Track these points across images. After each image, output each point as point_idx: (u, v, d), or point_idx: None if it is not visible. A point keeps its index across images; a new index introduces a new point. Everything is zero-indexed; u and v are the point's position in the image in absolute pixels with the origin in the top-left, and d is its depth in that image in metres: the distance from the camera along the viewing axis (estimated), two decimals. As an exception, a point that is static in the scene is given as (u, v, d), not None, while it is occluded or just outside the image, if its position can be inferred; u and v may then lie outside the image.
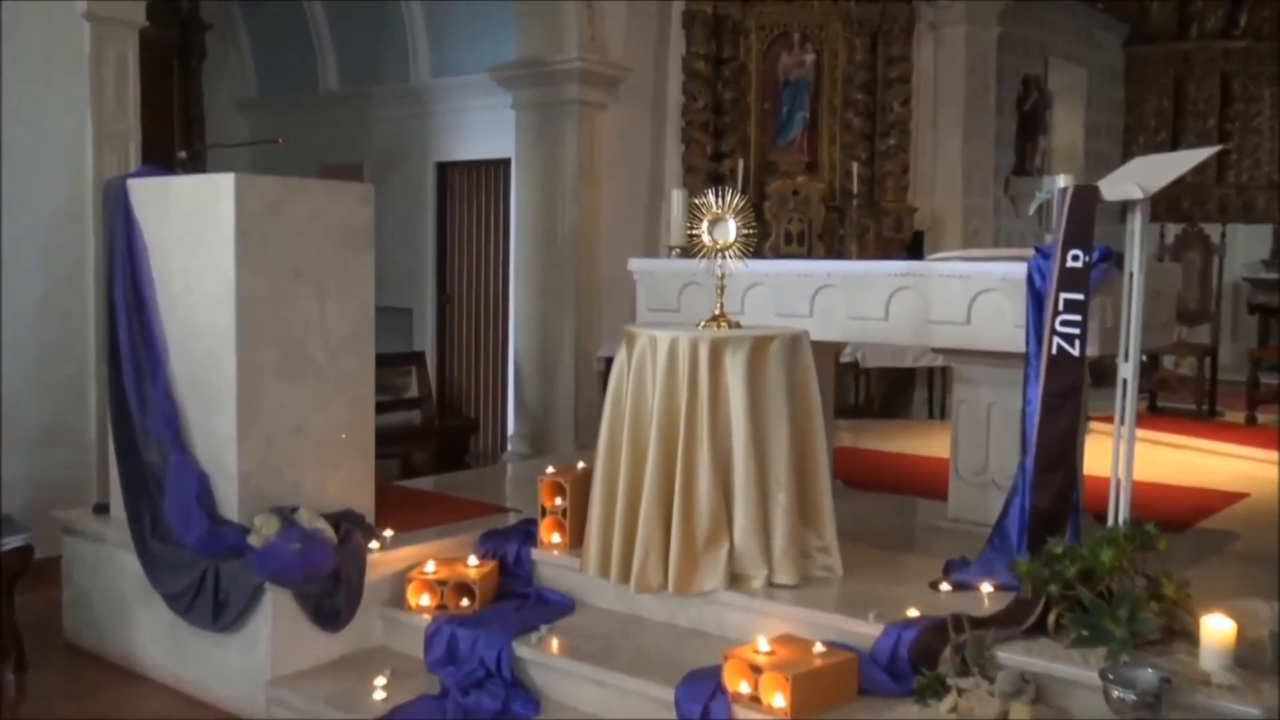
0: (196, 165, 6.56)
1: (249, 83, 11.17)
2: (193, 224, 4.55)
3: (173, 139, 9.29)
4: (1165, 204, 11.39)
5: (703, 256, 4.40)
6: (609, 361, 8.39)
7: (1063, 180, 4.77)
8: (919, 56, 9.41)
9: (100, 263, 5.61)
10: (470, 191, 9.87)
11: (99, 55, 5.99)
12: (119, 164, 5.96)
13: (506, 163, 9.30)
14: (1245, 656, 3.39)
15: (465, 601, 4.45)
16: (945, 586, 4.16)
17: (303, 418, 4.62)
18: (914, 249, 9.22)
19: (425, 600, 4.49)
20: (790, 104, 9.39)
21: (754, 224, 4.42)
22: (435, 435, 8.59)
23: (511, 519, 5.13)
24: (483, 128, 9.42)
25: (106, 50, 6.01)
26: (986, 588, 4.07)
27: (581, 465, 4.81)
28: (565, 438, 8.69)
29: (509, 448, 9.12)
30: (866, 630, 3.78)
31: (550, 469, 4.81)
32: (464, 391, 9.96)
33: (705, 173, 9.18)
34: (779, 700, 3.47)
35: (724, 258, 4.36)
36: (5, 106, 5.74)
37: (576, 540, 4.55)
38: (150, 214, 4.71)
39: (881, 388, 9.55)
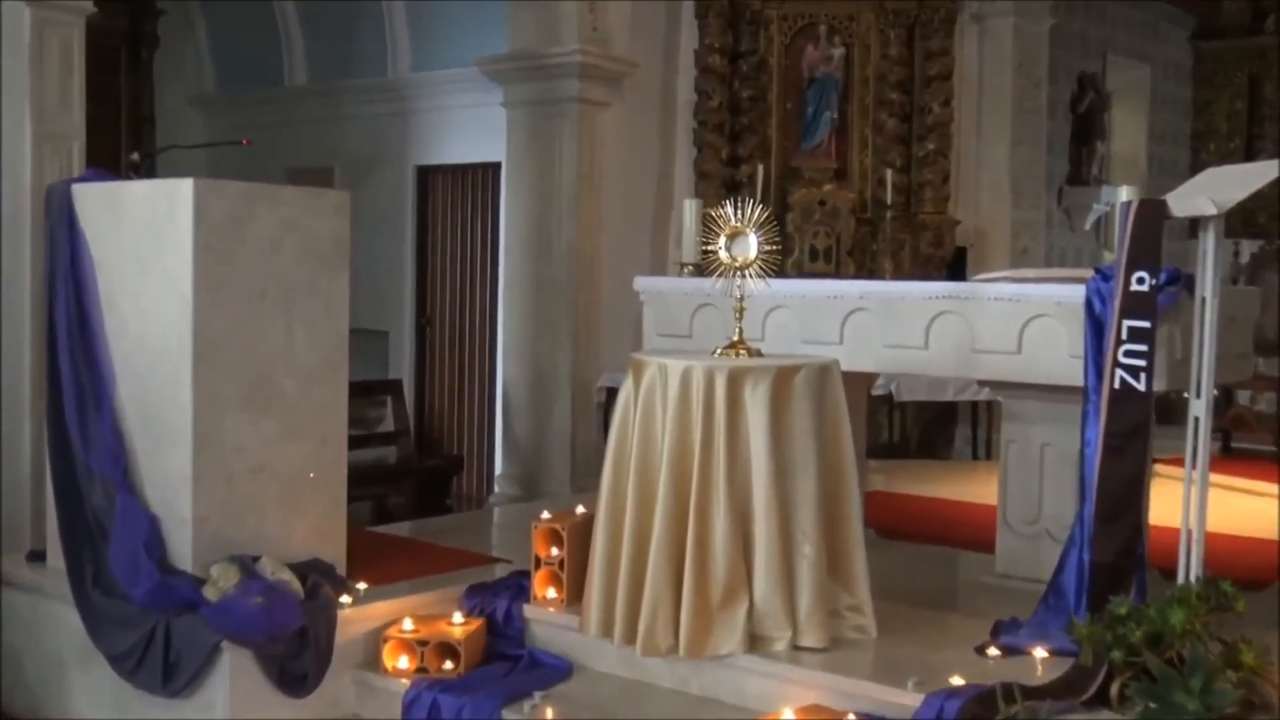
0: (149, 169, 6.60)
1: (207, 77, 11.24)
2: (145, 236, 4.58)
3: (121, 140, 9.34)
4: (1239, 218, 11.40)
5: (719, 275, 4.42)
6: (612, 393, 8.44)
7: (1124, 192, 4.79)
8: (961, 51, 9.46)
9: (39, 279, 5.63)
10: (454, 200, 9.92)
11: (40, 45, 6.00)
12: (62, 167, 5.99)
13: (496, 167, 9.34)
14: (1334, 733, 3.37)
15: (448, 664, 4.45)
16: (993, 651, 4.15)
17: (267, 456, 4.63)
18: (956, 268, 9.24)
19: (403, 662, 4.48)
20: (816, 104, 9.44)
21: (776, 238, 4.45)
22: (413, 475, 8.59)
23: (500, 571, 5.13)
24: (469, 128, 9.47)
25: (49, 39, 6.04)
26: (1040, 653, 4.07)
27: (581, 510, 4.82)
28: (561, 479, 8.68)
29: (497, 489, 9.12)
30: (904, 700, 3.77)
31: (545, 514, 4.81)
32: (446, 425, 9.97)
33: (720, 180, 9.22)
34: (805, 780, 3.47)
35: (743, 277, 4.38)
36: (-65, 103, 5.79)
37: (575, 595, 4.55)
38: (97, 224, 4.74)
39: (919, 424, 9.54)
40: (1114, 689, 3.66)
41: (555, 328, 8.75)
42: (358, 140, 10.27)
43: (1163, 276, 4.13)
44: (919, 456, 9.28)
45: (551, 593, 4.66)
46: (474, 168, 9.68)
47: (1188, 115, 13.17)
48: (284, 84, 10.75)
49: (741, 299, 4.44)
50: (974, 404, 9.19)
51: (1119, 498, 4.08)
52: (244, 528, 4.57)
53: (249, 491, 4.59)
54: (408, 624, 4.56)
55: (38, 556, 5.08)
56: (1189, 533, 4.07)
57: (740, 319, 4.45)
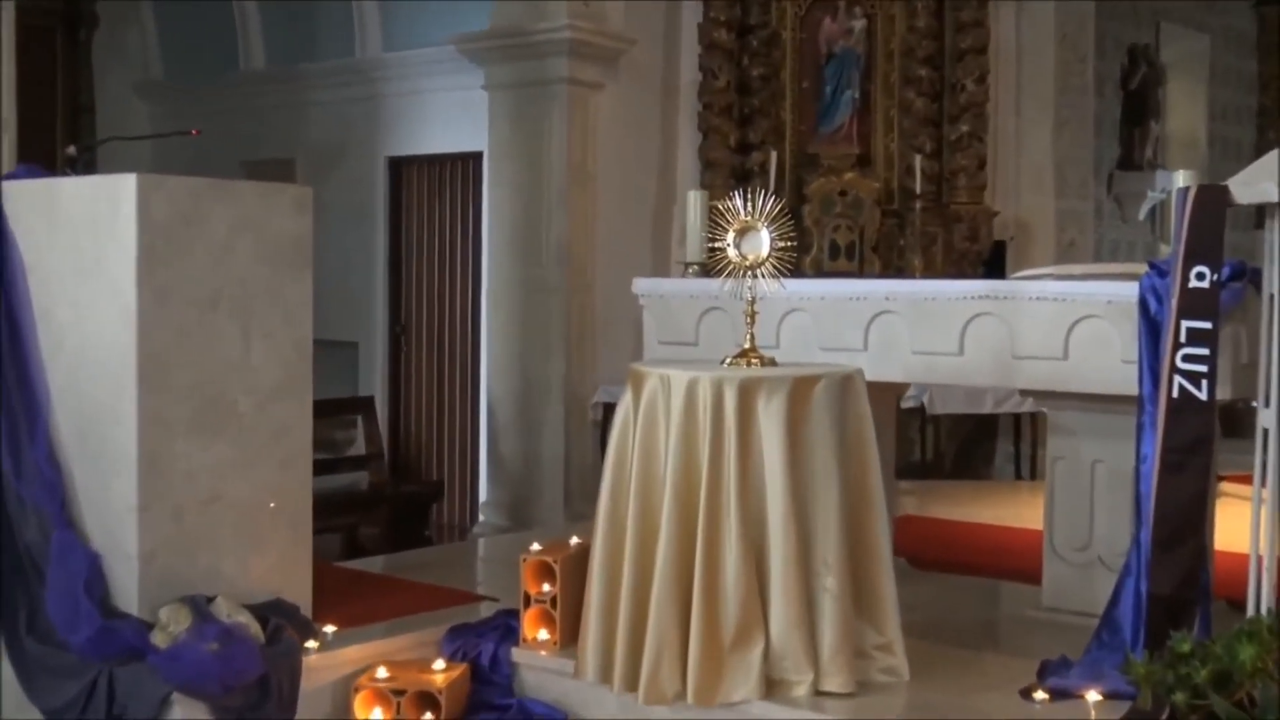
0: (88, 164, 6.60)
1: (152, 60, 11.26)
2: (83, 239, 4.57)
3: (57, 131, 9.35)
4: (1311, 205, 11.40)
5: (728, 276, 4.41)
6: (609, 409, 8.42)
7: (1182, 178, 4.78)
8: (997, 22, 9.47)
9: (-35, 288, 5.63)
10: (431, 194, 9.93)
11: (-35, 27, 6.04)
12: (-10, 163, 6.01)
13: (477, 158, 9.35)
14: None
15: (428, 716, 4.44)
16: (1041, 695, 4.14)
17: (222, 484, 4.62)
18: (994, 264, 9.24)
19: (377, 714, 4.47)
20: (835, 82, 9.45)
21: (792, 234, 4.45)
22: (387, 503, 8.58)
23: (486, 610, 5.12)
24: (447, 114, 9.48)
25: (-27, 20, 6.07)
26: (1094, 696, 4.05)
27: (575, 541, 4.81)
28: (553, 506, 8.67)
29: (481, 518, 9.11)
30: (941, 751, 3.76)
31: (535, 546, 4.80)
32: (424, 447, 9.96)
33: (729, 169, 9.22)
34: (830, 842, 3.45)
35: (755, 277, 4.38)
36: None
37: (570, 637, 4.54)
38: (30, 225, 4.74)
39: (955, 440, 9.53)
40: (1177, 735, 3.65)
41: (545, 336, 8.75)
42: (322, 129, 10.28)
43: (1225, 271, 4.12)
44: (955, 476, 9.26)
45: (543, 634, 4.65)
46: (453, 158, 9.68)
47: (1252, 90, 13.16)
48: (239, 68, 10.77)
49: (753, 302, 4.43)
50: (1016, 417, 9.18)
51: (1179, 520, 4.06)
52: (196, 565, 4.55)
53: (202, 524, 4.57)
54: (382, 671, 4.55)
55: (-35, 599, 5.06)
56: (1259, 559, 4.05)
57: (752, 324, 4.45)
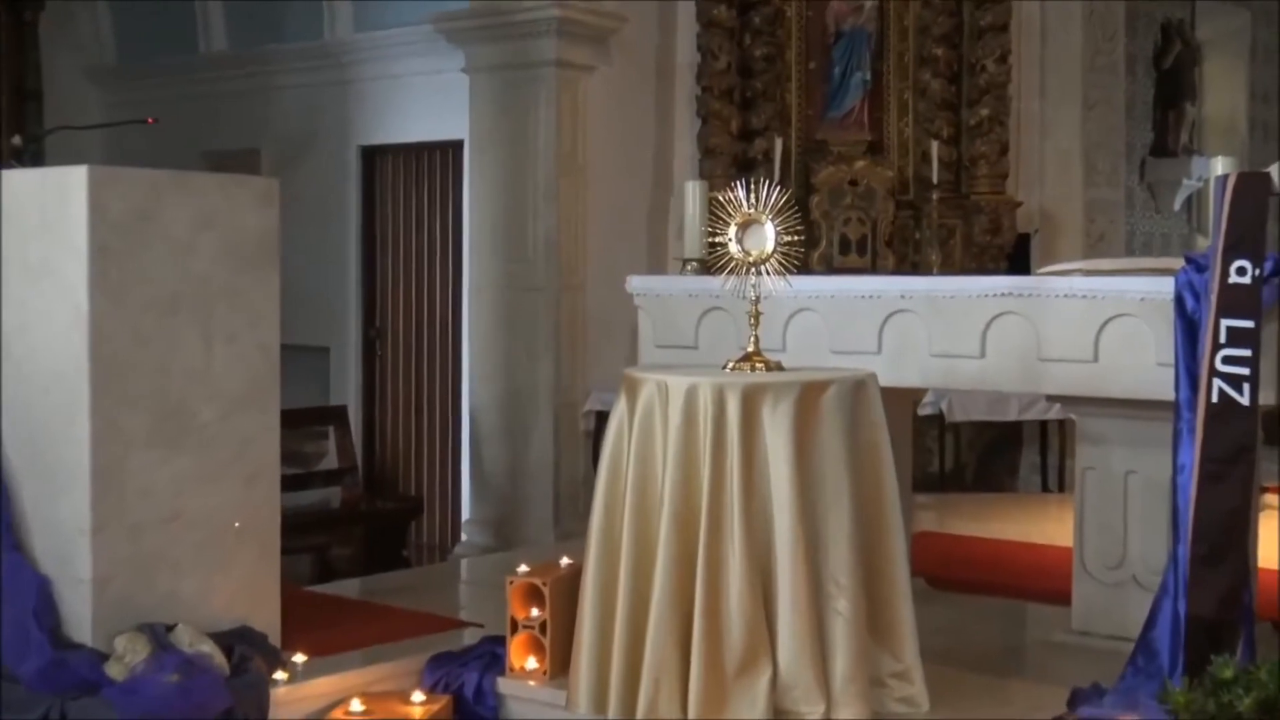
0: (35, 155, 6.59)
1: (105, 44, 11.25)
2: (31, 236, 4.57)
3: (0, 120, 9.34)
4: (1360, 193, 11.42)
5: (730, 273, 4.42)
6: (602, 418, 8.43)
7: (1220, 164, 4.79)
8: (1020, -3, 9.51)
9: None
10: (408, 186, 9.92)
11: (-98, 8, 6.04)
12: (-73, 155, 6.01)
13: (457, 146, 9.35)
14: None
15: (407, 753, 4.43)
16: (1071, 725, 4.14)
17: (182, 501, 4.61)
18: (1018, 259, 9.25)
19: (352, 751, 4.47)
20: (844, 63, 9.46)
21: (799, 227, 4.45)
22: (362, 521, 8.57)
23: (470, 637, 5.12)
24: (424, 100, 9.48)
25: (-88, 1, 6.06)
26: (1128, 726, 4.05)
27: (566, 562, 4.81)
28: (542, 523, 8.67)
29: (464, 537, 9.10)
30: (963, 787, 3.76)
31: (523, 567, 4.80)
32: (401, 461, 9.96)
33: (729, 158, 9.23)
34: None
35: (759, 274, 4.38)
36: None
37: (561, 665, 4.54)
38: (-28, 223, 4.74)
39: (976, 450, 9.53)
40: (1219, 769, 3.65)
41: (532, 339, 8.75)
42: (289, 117, 10.27)
43: (1268, 265, 4.13)
44: (977, 489, 9.26)
45: (532, 662, 4.65)
46: (431, 147, 9.68)
47: (1296, 70, 13.20)
48: (199, 50, 10.76)
49: (757, 301, 4.43)
50: (1042, 424, 9.19)
51: (1220, 535, 4.06)
52: (155, 590, 4.55)
53: (160, 545, 4.57)
54: (356, 704, 4.55)
55: (-95, 628, 5.05)
56: (1306, 576, 4.06)
57: (756, 326, 4.45)
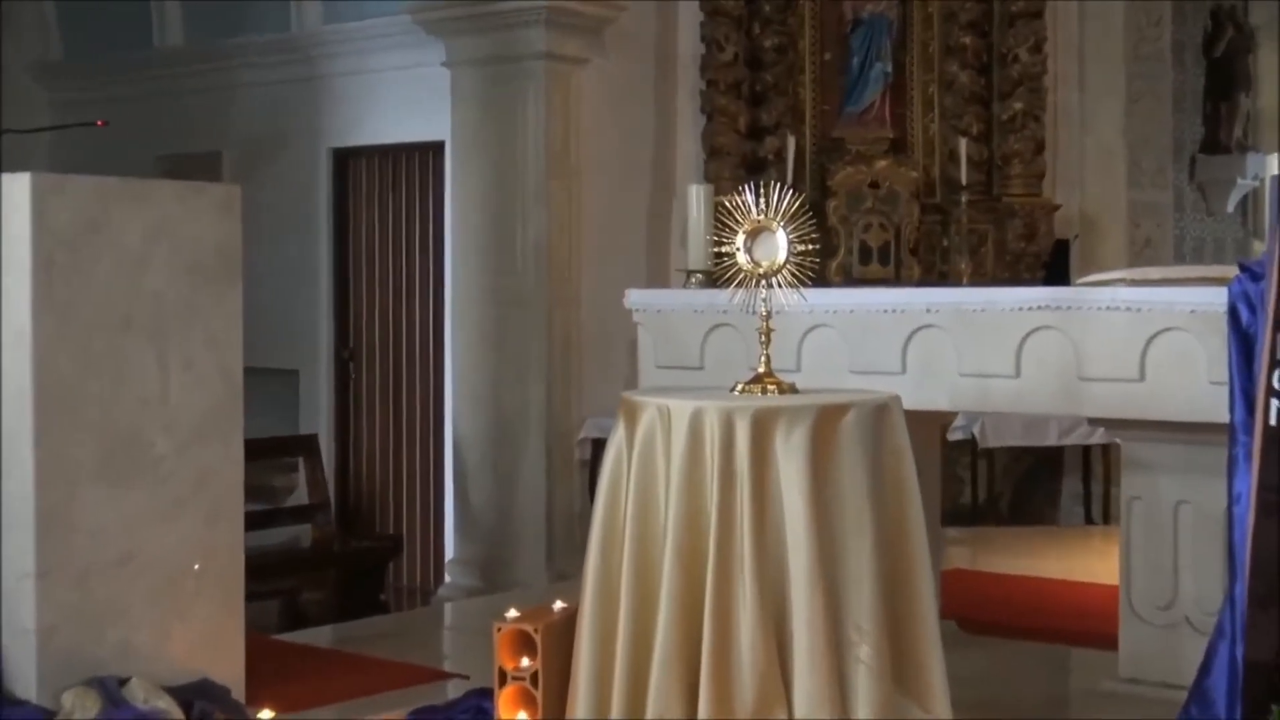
0: (-27, 161, 6.60)
1: (51, 39, 11.26)
2: (-32, 251, 4.57)
3: (-64, 122, 9.36)
4: None
5: (738, 286, 4.41)
6: (598, 446, 8.41)
7: (1277, 161, 4.79)
8: (1055, -20, 9.54)
9: None
10: (384, 192, 9.93)
11: None
12: None
13: (438, 148, 9.36)
14: None
15: (385, 818, 4.42)
16: (1119, 782, 4.12)
17: (136, 542, 4.61)
18: (1056, 268, 9.25)
19: (324, 817, 4.45)
20: (863, 53, 9.48)
21: (814, 235, 4.45)
22: (335, 562, 8.56)
23: (454, 690, 5.11)
24: (402, 97, 9.49)
25: None
26: (1182, 783, 4.04)
27: (560, 606, 4.79)
28: (533, 564, 8.66)
29: (448, 579, 9.09)
30: None
31: (512, 612, 4.78)
32: (378, 495, 9.95)
33: (737, 158, 9.24)
34: None
35: (770, 286, 4.38)
36: None
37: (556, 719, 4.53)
38: (-96, 237, 4.74)
39: (1012, 479, 9.52)
40: (1282, 830, 3.64)
41: (522, 359, 8.75)
42: (253, 117, 10.28)
43: (1331, 273, 4.12)
44: (1013, 522, 9.26)
45: (523, 716, 4.64)
46: (409, 149, 9.69)
47: (1360, 57, 13.21)
48: (153, 45, 10.78)
49: (768, 317, 4.43)
50: (1085, 450, 9.18)
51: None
52: (106, 640, 4.54)
53: (112, 591, 4.56)
54: (330, 764, 4.54)
55: None
56: (1377, 616, 4.05)
57: (767, 344, 4.44)
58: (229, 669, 4.82)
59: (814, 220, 4.53)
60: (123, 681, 4.48)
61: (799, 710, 4.12)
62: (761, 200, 4.38)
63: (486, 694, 4.79)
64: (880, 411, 4.27)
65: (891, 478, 4.26)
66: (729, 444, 4.11)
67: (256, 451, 6.61)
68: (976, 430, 8.55)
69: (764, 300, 4.40)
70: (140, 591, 4.62)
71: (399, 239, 9.87)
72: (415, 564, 9.70)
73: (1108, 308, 4.79)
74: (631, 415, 4.32)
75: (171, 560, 4.69)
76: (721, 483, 4.10)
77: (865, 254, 9.14)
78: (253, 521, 5.64)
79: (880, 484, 4.22)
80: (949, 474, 8.30)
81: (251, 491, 5.26)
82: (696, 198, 5.88)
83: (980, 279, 8.94)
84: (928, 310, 5.12)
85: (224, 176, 9.89)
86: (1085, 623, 5.86)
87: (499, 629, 4.69)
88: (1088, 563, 7.39)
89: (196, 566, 4.74)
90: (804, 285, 4.41)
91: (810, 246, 4.40)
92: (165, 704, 4.45)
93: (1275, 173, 4.38)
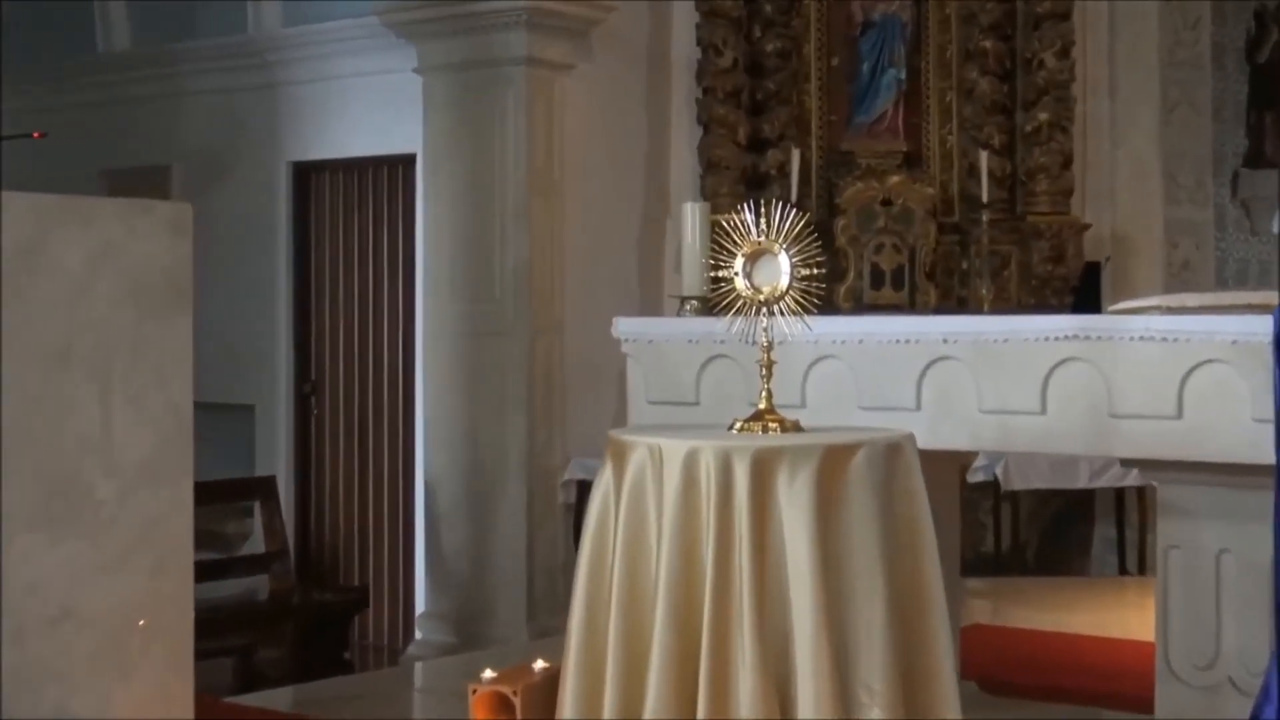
0: (-103, 177, 6.60)
1: (-17, 40, 11.29)
2: (-108, 275, 4.57)
3: None
4: None
5: (737, 313, 4.42)
6: (584, 490, 8.40)
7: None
8: (1084, -21, 9.57)
9: None
10: (349, 210, 9.94)
11: None
12: None
13: (409, 162, 9.38)
14: None
15: None
16: None
17: (74, 596, 4.59)
18: (1086, 293, 9.26)
19: None
20: (875, 58, 9.50)
21: (821, 257, 4.45)
22: (294, 617, 8.54)
23: (425, 758, 5.10)
24: (369, 106, 9.51)
25: None
26: None
27: (541, 665, 4.79)
28: (512, 618, 8.64)
29: (419, 635, 9.07)
30: None
31: (488, 672, 4.78)
32: (342, 543, 9.93)
33: (737, 173, 9.25)
34: None
35: (772, 314, 4.39)
36: None
37: (535, 792, 4.52)
38: None
39: (1038, 525, 9.52)
40: None
41: (500, 394, 8.75)
42: (205, 127, 10.30)
43: (1385, 300, 4.14)
44: (1040, 572, 9.25)
45: (500, 788, 4.63)
46: (377, 163, 9.71)
47: None
48: (97, 49, 10.80)
49: (770, 348, 4.43)
50: (1118, 493, 9.18)
51: (1333, 627, 4.06)
52: (42, 704, 4.52)
53: (48, 650, 4.54)
54: (287, 840, 4.52)
55: None
56: None
57: (769, 377, 4.45)
58: (177, 735, 4.80)
59: (820, 241, 4.54)
60: (60, 750, 4.46)
61: (804, 780, 4.12)
62: (763, 219, 4.39)
63: (460, 763, 4.78)
64: (893, 451, 4.28)
65: (905, 524, 4.26)
66: (727, 487, 4.11)
67: (208, 495, 6.61)
68: (999, 472, 8.54)
69: (765, 330, 4.40)
70: (80, 651, 4.60)
71: (365, 261, 9.87)
72: (382, 618, 9.68)
73: (1142, 338, 4.80)
74: (620, 455, 4.32)
75: (114, 616, 4.67)
76: (718, 530, 4.10)
77: (877, 278, 9.15)
78: (204, 572, 5.63)
79: (893, 531, 4.22)
80: (969, 520, 8.28)
81: (202, 539, 5.25)
82: (692, 217, 5.88)
83: (1003, 306, 8.95)
84: (945, 340, 5.13)
85: (173, 193, 9.90)
86: (1118, 683, 5.85)
87: (474, 691, 4.68)
88: (1121, 617, 7.38)
89: (141, 623, 4.72)
90: (809, 313, 4.41)
91: (816, 270, 4.40)
92: (106, 774, 4.44)
93: (1324, 190, 4.40)
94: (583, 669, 4.28)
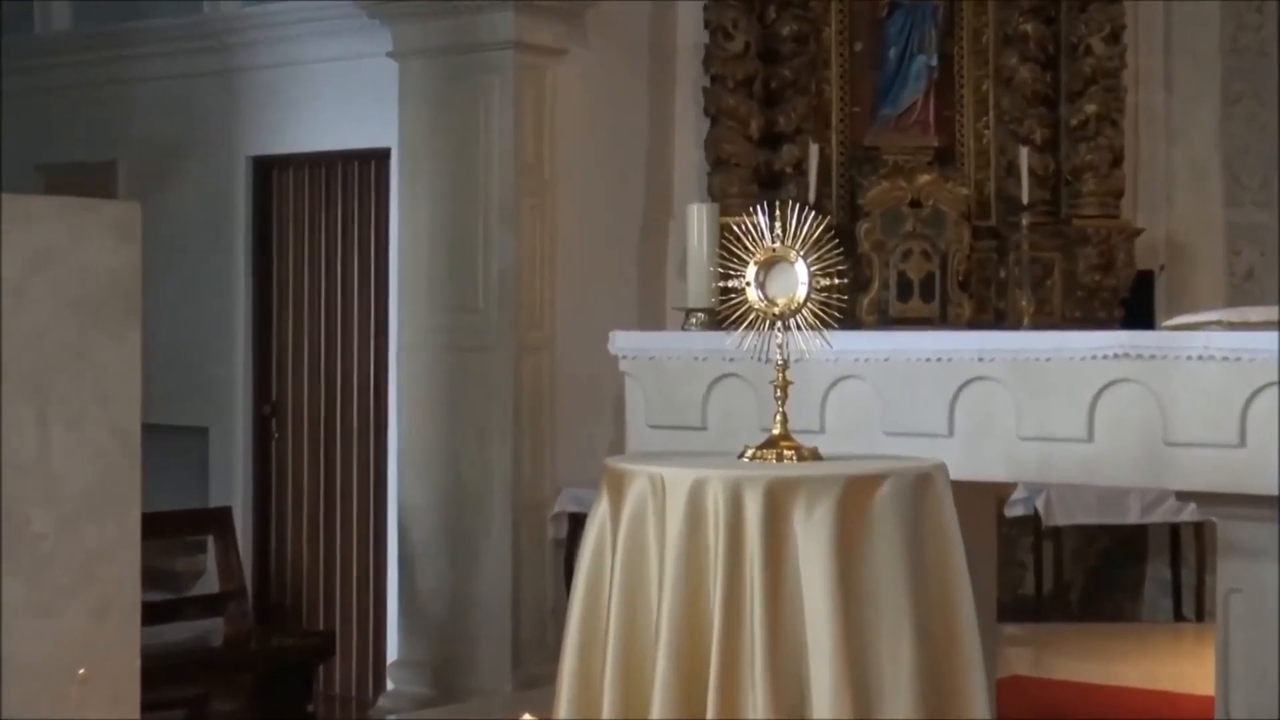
0: None
1: (-93, 20, 11.30)
2: None
3: None
4: None
5: (748, 328, 4.42)
6: (576, 523, 8.37)
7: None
8: (1135, -43, 9.58)
9: None
10: (315, 211, 9.93)
11: None
12: None
13: (383, 158, 9.38)
14: None
15: None
16: None
17: (7, 642, 4.59)
18: (1138, 307, 9.26)
19: None
20: (903, 44, 9.51)
21: (842, 266, 4.46)
22: (253, 665, 8.52)
23: (398, 824, 5.10)
24: (338, 95, 9.51)
25: None
26: None
27: (528, 719, 4.79)
28: (496, 667, 8.63)
29: (391, 685, 9.06)
30: None
31: (470, 728, 4.79)
32: (306, 582, 9.91)
33: (749, 171, 9.25)
34: None
35: (788, 329, 4.39)
36: None
37: None
38: None
39: (1084, 565, 9.51)
40: None
41: (483, 417, 8.74)
42: (155, 119, 10.29)
43: None
44: (1085, 618, 9.24)
45: None
46: (347, 158, 9.71)
47: None
48: (34, 30, 10.79)
49: (785, 366, 4.44)
50: (1173, 530, 9.18)
51: None
52: (-29, 760, 4.53)
53: (-21, 700, 4.55)
54: None
55: None
56: None
57: (784, 399, 4.45)
58: (121, 798, 4.80)
59: (841, 248, 4.55)
60: (-10, 812, 4.47)
61: None
62: (777, 223, 4.40)
63: (438, 829, 4.78)
64: (922, 483, 4.28)
65: (936, 564, 4.26)
66: (737, 522, 4.11)
67: (157, 528, 6.60)
68: (1040, 505, 8.54)
69: (780, 346, 4.41)
70: (13, 703, 4.60)
71: (334, 268, 9.87)
72: (350, 667, 9.66)
73: (1200, 356, 4.80)
74: (617, 486, 4.32)
75: (52, 664, 4.67)
76: (727, 570, 4.10)
77: (904, 288, 9.15)
78: (152, 614, 5.62)
79: (922, 572, 4.23)
80: (1007, 558, 8.28)
81: (150, 578, 5.25)
82: (698, 220, 5.89)
83: (1045, 320, 8.95)
84: (980, 358, 5.13)
85: (119, 192, 9.90)
86: (1174, 742, 5.85)
87: (454, 749, 4.68)
88: (1177, 668, 7.37)
89: (81, 672, 4.72)
90: (829, 327, 4.42)
91: (837, 280, 4.41)
92: (42, 840, 4.44)
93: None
94: (575, 724, 4.28)
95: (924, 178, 9.29)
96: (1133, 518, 8.81)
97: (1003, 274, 9.28)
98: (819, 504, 4.15)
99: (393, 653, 9.19)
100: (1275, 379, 4.69)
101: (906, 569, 4.20)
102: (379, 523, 9.55)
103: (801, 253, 4.39)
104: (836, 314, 4.42)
